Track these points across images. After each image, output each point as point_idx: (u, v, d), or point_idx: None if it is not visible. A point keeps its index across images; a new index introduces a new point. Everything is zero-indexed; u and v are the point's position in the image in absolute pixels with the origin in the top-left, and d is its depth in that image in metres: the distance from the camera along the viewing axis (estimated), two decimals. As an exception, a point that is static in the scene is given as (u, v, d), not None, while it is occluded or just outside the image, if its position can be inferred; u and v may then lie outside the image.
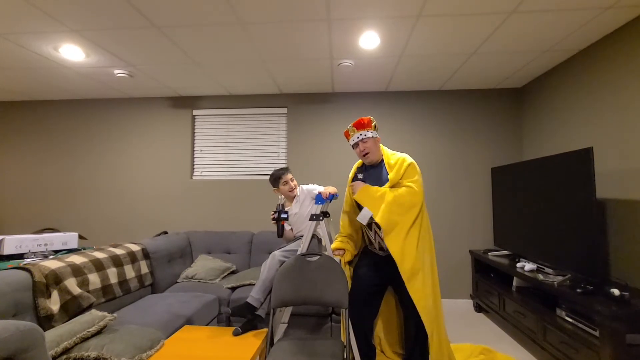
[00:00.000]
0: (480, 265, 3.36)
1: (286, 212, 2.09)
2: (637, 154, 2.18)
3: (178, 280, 2.91)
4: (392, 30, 2.38)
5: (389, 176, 1.93)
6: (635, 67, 2.20)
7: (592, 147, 2.05)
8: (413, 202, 1.86)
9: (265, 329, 1.99)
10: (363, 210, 1.90)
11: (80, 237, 2.90)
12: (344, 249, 2.14)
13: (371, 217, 1.88)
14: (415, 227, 1.86)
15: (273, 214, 2.13)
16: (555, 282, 2.24)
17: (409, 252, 1.82)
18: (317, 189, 2.45)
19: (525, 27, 2.33)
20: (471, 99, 3.64)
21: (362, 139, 1.97)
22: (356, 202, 2.16)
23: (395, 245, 1.81)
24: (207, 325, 2.37)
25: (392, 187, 1.89)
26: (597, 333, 1.85)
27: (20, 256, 2.45)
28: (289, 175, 2.46)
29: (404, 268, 1.81)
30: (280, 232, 2.09)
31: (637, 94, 2.19)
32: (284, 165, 2.48)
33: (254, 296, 2.09)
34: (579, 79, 2.71)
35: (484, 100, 3.63)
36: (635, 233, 2.17)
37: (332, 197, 2.18)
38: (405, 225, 1.83)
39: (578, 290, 2.02)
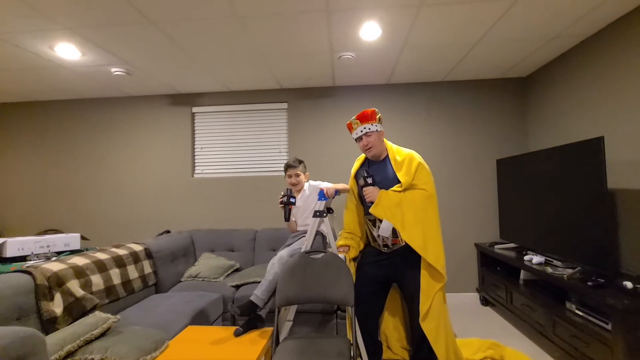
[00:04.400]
0: (486, 259, 3.32)
1: (294, 197, 2.15)
2: (649, 142, 2.12)
3: (182, 279, 2.89)
4: (394, 20, 2.32)
5: (398, 176, 1.87)
6: (647, 52, 2.12)
7: (603, 136, 1.99)
8: (431, 205, 1.83)
9: (270, 328, 1.97)
10: (384, 223, 1.85)
11: (83, 237, 2.88)
12: (348, 246, 2.10)
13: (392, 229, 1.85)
14: (437, 227, 1.86)
15: (281, 198, 2.16)
16: (564, 275, 2.20)
17: (439, 251, 1.83)
18: (323, 185, 2.40)
19: (532, 13, 2.25)
20: (475, 89, 3.56)
21: (366, 132, 1.90)
22: (360, 197, 2.12)
23: (415, 243, 1.80)
24: (212, 324, 2.35)
25: (405, 189, 1.85)
26: (609, 327, 1.81)
27: (23, 258, 2.44)
28: (292, 171, 2.44)
29: (440, 265, 1.81)
30: (287, 216, 2.13)
31: (648, 80, 2.12)
32: (292, 159, 2.46)
33: (258, 295, 2.07)
34: (587, 67, 2.63)
35: (488, 91, 3.55)
36: (647, 224, 2.11)
37: (336, 193, 2.14)
38: (428, 231, 1.82)
39: (589, 283, 1.97)
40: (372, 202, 1.86)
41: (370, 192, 1.86)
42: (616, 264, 2.31)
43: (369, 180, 1.89)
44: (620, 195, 2.31)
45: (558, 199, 2.43)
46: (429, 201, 1.83)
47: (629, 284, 1.83)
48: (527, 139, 3.49)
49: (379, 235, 1.97)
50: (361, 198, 2.12)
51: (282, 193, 2.17)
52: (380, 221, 1.92)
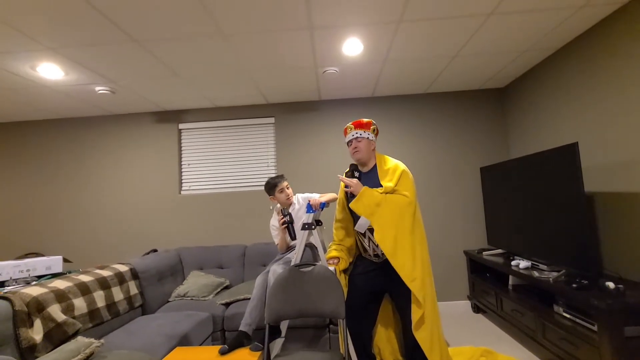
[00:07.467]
0: (476, 265, 3.35)
1: (291, 215, 2.20)
2: (620, 147, 2.22)
3: (170, 299, 2.81)
4: (375, 36, 2.40)
5: (382, 182, 1.92)
6: (612, 63, 2.25)
7: (577, 142, 2.08)
8: (409, 212, 1.85)
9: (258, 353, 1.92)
10: (360, 220, 1.86)
11: (65, 260, 2.79)
12: (338, 257, 2.09)
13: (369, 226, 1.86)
14: (411, 236, 1.85)
15: (282, 218, 2.17)
16: (550, 279, 2.24)
17: (407, 260, 1.81)
18: (312, 197, 2.40)
19: (503, 28, 2.37)
20: (456, 100, 3.68)
21: (357, 137, 1.97)
22: (349, 208, 2.13)
23: (387, 250, 1.80)
24: (201, 344, 2.29)
25: (387, 193, 1.88)
26: (595, 328, 1.84)
27: (1, 284, 2.34)
28: (285, 183, 2.42)
29: (404, 274, 1.78)
30: (294, 233, 2.15)
31: (615, 89, 2.24)
32: (277, 173, 2.44)
33: (247, 324, 2.09)
34: (559, 77, 2.77)
35: (468, 102, 3.67)
36: (624, 225, 2.19)
37: (323, 205, 2.15)
38: (400, 237, 1.82)
39: (573, 285, 2.02)
40: (353, 195, 1.88)
41: (354, 184, 1.88)
42: (598, 265, 2.37)
43: (356, 174, 1.96)
44: (598, 198, 2.39)
45: (540, 203, 2.50)
46: (408, 207, 1.85)
47: (611, 285, 1.88)
48: (508, 147, 3.60)
49: (369, 246, 1.98)
50: (351, 210, 2.14)
51: (280, 215, 2.17)
52: (372, 233, 1.93)
